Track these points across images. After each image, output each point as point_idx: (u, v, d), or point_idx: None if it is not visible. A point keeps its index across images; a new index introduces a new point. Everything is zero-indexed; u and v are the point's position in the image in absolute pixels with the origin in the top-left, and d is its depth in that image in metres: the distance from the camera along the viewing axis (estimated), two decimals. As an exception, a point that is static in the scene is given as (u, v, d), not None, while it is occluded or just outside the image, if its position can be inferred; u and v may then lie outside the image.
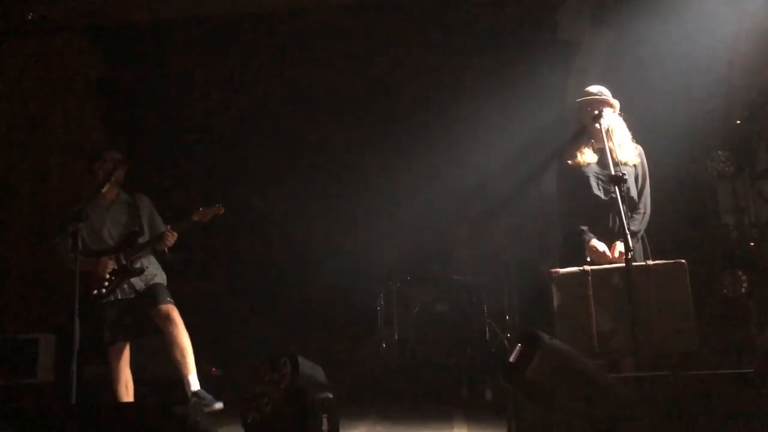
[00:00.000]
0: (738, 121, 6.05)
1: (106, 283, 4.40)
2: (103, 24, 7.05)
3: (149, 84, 7.12)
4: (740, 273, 5.65)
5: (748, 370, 3.13)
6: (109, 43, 7.21)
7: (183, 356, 4.21)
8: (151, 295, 4.37)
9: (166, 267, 4.70)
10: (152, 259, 4.58)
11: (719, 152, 5.94)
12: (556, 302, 3.64)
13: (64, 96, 7.37)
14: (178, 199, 5.14)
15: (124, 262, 4.43)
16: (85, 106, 7.35)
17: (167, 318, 4.26)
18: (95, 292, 4.39)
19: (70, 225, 4.13)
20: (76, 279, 3.98)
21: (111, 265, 4.41)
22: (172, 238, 4.42)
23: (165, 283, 4.54)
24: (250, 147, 7.20)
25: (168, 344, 4.24)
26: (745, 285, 5.64)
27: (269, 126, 7.17)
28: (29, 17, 6.84)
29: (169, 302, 4.34)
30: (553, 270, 3.69)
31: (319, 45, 6.83)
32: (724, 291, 5.66)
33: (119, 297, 4.42)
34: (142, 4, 6.72)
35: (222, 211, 4.43)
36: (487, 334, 6.43)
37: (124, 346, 4.46)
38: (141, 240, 4.47)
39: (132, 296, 4.43)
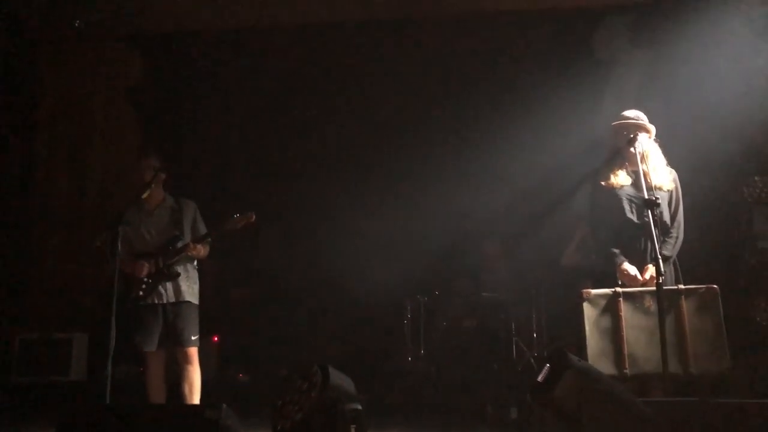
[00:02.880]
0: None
1: (143, 286, 4.51)
2: (145, 32, 7.23)
3: (188, 91, 7.27)
4: (774, 300, 5.58)
5: (779, 400, 3.10)
6: (149, 50, 7.39)
7: (191, 392, 4.49)
8: (178, 332, 4.50)
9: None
10: (190, 267, 4.67)
11: (756, 178, 5.90)
12: (587, 322, 3.64)
13: (104, 103, 7.56)
14: (215, 206, 5.24)
15: (161, 266, 4.53)
16: (125, 112, 7.53)
17: (187, 359, 4.51)
18: (132, 294, 4.50)
19: (110, 228, 4.25)
20: (114, 280, 4.09)
21: (148, 267, 4.52)
22: (194, 251, 4.54)
23: (196, 300, 4.63)
24: (285, 157, 7.29)
25: (180, 377, 4.51)
26: (778, 313, 5.57)
27: (304, 137, 7.26)
28: (76, 25, 7.03)
29: (193, 344, 4.52)
30: (585, 290, 3.70)
31: (354, 59, 6.92)
32: (758, 318, 5.59)
33: (155, 301, 4.52)
34: (183, 13, 6.88)
35: (253, 218, 4.51)
36: (514, 352, 6.40)
37: (162, 353, 4.57)
38: (180, 245, 4.57)
39: (165, 303, 4.53)
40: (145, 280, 4.50)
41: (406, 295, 6.79)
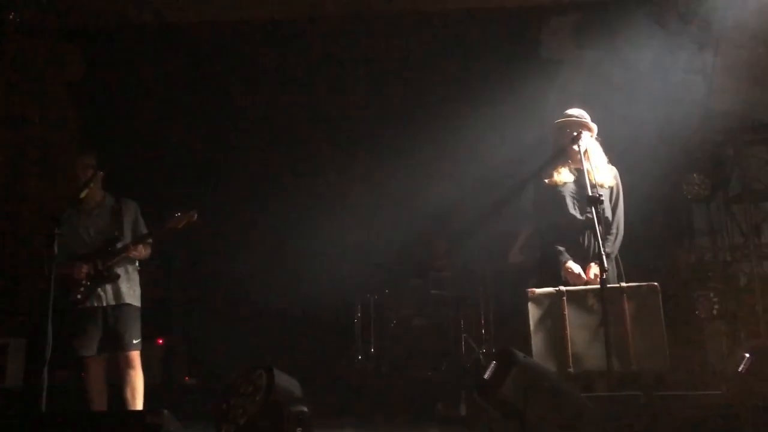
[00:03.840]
0: (713, 146, 6.19)
1: (82, 289, 4.37)
2: (84, 27, 7.00)
3: (130, 88, 7.07)
4: (712, 295, 5.76)
5: (716, 392, 3.20)
6: (90, 45, 7.15)
7: (133, 397, 4.40)
8: (119, 335, 4.39)
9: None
10: (131, 268, 4.54)
11: (695, 175, 6.08)
12: (532, 321, 3.69)
13: (43, 98, 7.29)
14: (157, 204, 5.11)
15: (101, 268, 4.39)
16: (65, 108, 7.28)
17: (129, 363, 4.40)
18: (70, 297, 4.35)
19: (47, 230, 4.10)
20: (50, 283, 3.94)
21: (86, 270, 4.38)
22: (135, 252, 4.43)
23: (138, 303, 4.52)
24: (231, 155, 7.16)
25: (122, 382, 4.41)
26: (716, 306, 5.75)
27: (251, 135, 7.15)
28: (11, 17, 6.77)
29: (135, 347, 4.41)
30: (530, 290, 3.74)
31: (301, 56, 6.84)
32: (697, 312, 5.77)
33: (95, 305, 4.38)
34: (124, 8, 6.69)
35: (195, 218, 4.43)
36: (464, 349, 6.45)
37: (103, 358, 4.44)
38: (120, 246, 4.44)
39: (105, 306, 4.39)
40: (84, 282, 4.37)
41: (356, 294, 6.77)
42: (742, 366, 3.11)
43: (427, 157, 6.76)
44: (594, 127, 4.11)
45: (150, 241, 4.55)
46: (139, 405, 4.38)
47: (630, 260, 4.11)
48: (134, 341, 4.41)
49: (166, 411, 2.96)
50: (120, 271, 4.43)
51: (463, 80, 6.81)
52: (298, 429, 2.99)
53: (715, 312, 5.75)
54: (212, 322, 6.79)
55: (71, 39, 7.11)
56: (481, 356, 6.32)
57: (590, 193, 3.60)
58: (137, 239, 4.46)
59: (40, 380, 3.73)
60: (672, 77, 5.89)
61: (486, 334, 6.59)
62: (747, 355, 3.12)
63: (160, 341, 6.40)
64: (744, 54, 5.73)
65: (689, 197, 6.17)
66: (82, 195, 4.36)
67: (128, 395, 4.38)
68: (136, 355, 4.41)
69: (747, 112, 6.05)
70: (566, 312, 3.64)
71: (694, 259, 6.33)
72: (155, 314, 5.53)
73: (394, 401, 6.00)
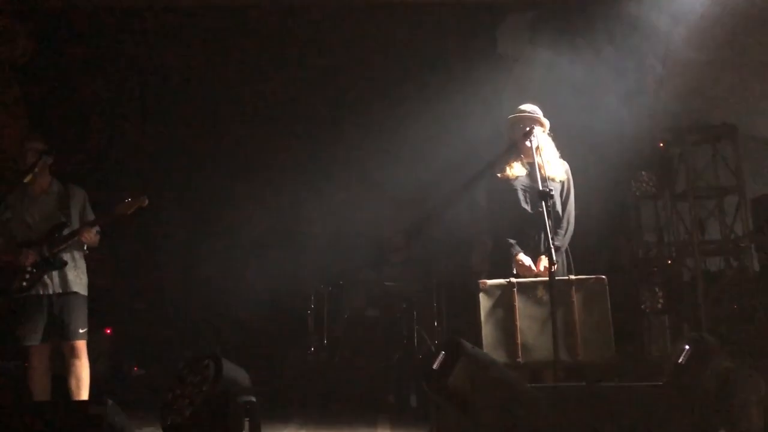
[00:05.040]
0: (661, 145, 6.36)
1: (27, 276, 4.25)
2: (33, 6, 6.79)
3: (79, 70, 6.89)
4: (657, 289, 5.93)
5: (658, 383, 3.29)
6: (38, 26, 6.94)
7: (78, 387, 4.31)
8: (64, 324, 4.29)
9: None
10: (78, 256, 4.43)
11: (643, 173, 6.24)
12: (482, 312, 3.73)
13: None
14: (106, 191, 5.01)
15: (47, 255, 4.28)
16: (10, 90, 7.05)
17: (73, 353, 4.31)
18: (14, 284, 4.24)
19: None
20: (-9, 270, 3.85)
21: (32, 256, 4.27)
22: (87, 235, 4.33)
23: (85, 291, 4.42)
24: (182, 139, 7.04)
25: (67, 372, 4.32)
26: (661, 300, 5.92)
27: (203, 123, 7.04)
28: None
29: (80, 337, 4.32)
30: (482, 281, 3.79)
31: (256, 44, 6.76)
32: (642, 306, 5.93)
33: (41, 292, 4.27)
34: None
35: (146, 203, 4.35)
36: (416, 341, 6.48)
37: (47, 347, 4.33)
38: (67, 232, 4.33)
39: (50, 294, 4.29)
40: (29, 269, 4.25)
41: (309, 285, 6.74)
42: (681, 357, 3.20)
43: (383, 151, 6.77)
44: (546, 122, 4.17)
45: (98, 229, 4.45)
46: (84, 396, 4.30)
47: (579, 254, 4.19)
48: (80, 330, 4.32)
49: (110, 401, 2.90)
50: (67, 258, 4.33)
51: (420, 73, 6.83)
52: (245, 419, 2.97)
53: (659, 306, 5.92)
54: (162, 311, 6.69)
55: (19, 17, 6.88)
56: (432, 347, 6.35)
57: (541, 188, 3.67)
58: (86, 224, 4.36)
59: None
60: (623, 78, 6.01)
61: (439, 326, 6.64)
62: (686, 347, 3.21)
63: (108, 331, 6.28)
64: (691, 59, 5.89)
65: (638, 194, 6.34)
66: (27, 179, 4.25)
67: (73, 386, 4.29)
68: (82, 345, 4.32)
69: (693, 114, 6.25)
70: (516, 303, 3.69)
71: (641, 254, 6.50)
72: (104, 303, 5.42)
73: (346, 392, 6.01)
